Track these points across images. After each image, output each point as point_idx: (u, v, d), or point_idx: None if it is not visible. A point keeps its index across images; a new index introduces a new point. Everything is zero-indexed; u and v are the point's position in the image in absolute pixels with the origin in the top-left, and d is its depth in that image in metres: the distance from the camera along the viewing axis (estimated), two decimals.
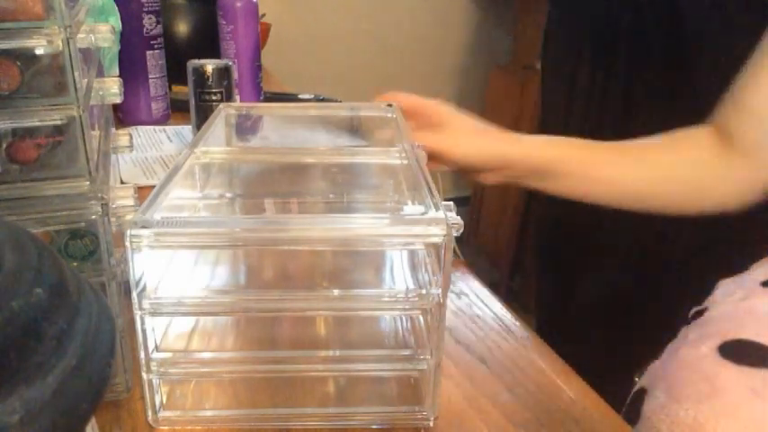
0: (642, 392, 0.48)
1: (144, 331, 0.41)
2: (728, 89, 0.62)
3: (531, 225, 1.97)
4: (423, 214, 0.41)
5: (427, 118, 0.66)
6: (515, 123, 2.07)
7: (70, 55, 0.39)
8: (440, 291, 0.41)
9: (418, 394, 0.45)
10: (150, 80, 1.04)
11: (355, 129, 0.68)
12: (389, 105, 0.66)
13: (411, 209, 0.52)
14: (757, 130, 0.61)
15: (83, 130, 0.41)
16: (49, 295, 0.23)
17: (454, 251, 0.41)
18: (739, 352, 0.43)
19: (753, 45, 0.60)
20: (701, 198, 0.64)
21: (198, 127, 0.85)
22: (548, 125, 0.88)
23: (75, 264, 0.42)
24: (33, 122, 0.40)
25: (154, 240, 0.38)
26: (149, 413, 0.43)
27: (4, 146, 0.40)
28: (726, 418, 0.41)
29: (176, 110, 1.09)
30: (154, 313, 0.41)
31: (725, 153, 0.62)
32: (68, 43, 0.39)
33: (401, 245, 0.44)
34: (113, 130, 0.58)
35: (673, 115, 0.64)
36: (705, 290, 0.48)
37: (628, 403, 0.50)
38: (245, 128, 0.68)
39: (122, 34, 0.97)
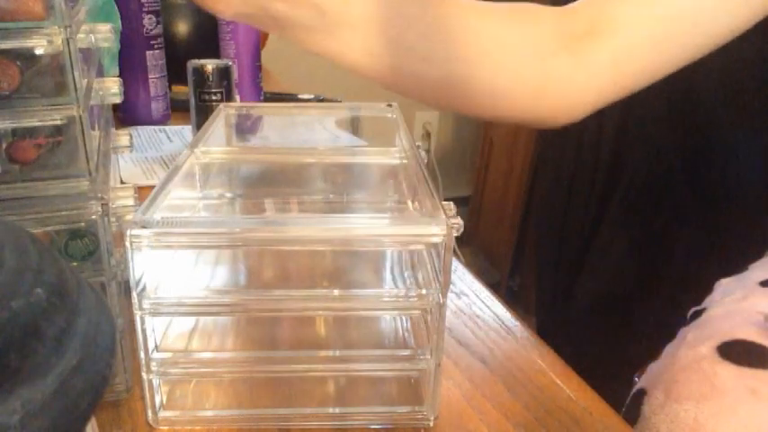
0: (642, 392, 0.48)
1: (144, 331, 0.41)
2: None
3: (530, 225, 1.97)
4: (423, 214, 0.41)
5: None
6: (515, 124, 2.07)
7: (70, 55, 0.39)
8: (440, 291, 0.41)
9: (418, 394, 0.45)
10: (150, 80, 1.04)
11: (356, 129, 0.68)
12: (389, 105, 0.66)
13: (411, 209, 0.52)
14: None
15: (83, 130, 0.41)
16: (49, 295, 0.23)
17: (454, 251, 0.41)
18: (738, 352, 0.43)
19: None
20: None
21: (198, 127, 0.85)
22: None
23: (75, 264, 0.42)
24: (33, 122, 0.40)
25: (154, 240, 0.38)
26: (149, 413, 0.43)
27: (4, 146, 0.40)
28: (725, 418, 0.41)
29: (176, 110, 1.09)
30: (154, 313, 0.41)
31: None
32: (68, 43, 0.39)
33: (401, 245, 0.44)
34: (113, 130, 0.58)
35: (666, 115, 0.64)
36: (705, 290, 0.48)
37: (628, 403, 0.50)
38: (245, 128, 0.68)
39: (122, 34, 0.97)
